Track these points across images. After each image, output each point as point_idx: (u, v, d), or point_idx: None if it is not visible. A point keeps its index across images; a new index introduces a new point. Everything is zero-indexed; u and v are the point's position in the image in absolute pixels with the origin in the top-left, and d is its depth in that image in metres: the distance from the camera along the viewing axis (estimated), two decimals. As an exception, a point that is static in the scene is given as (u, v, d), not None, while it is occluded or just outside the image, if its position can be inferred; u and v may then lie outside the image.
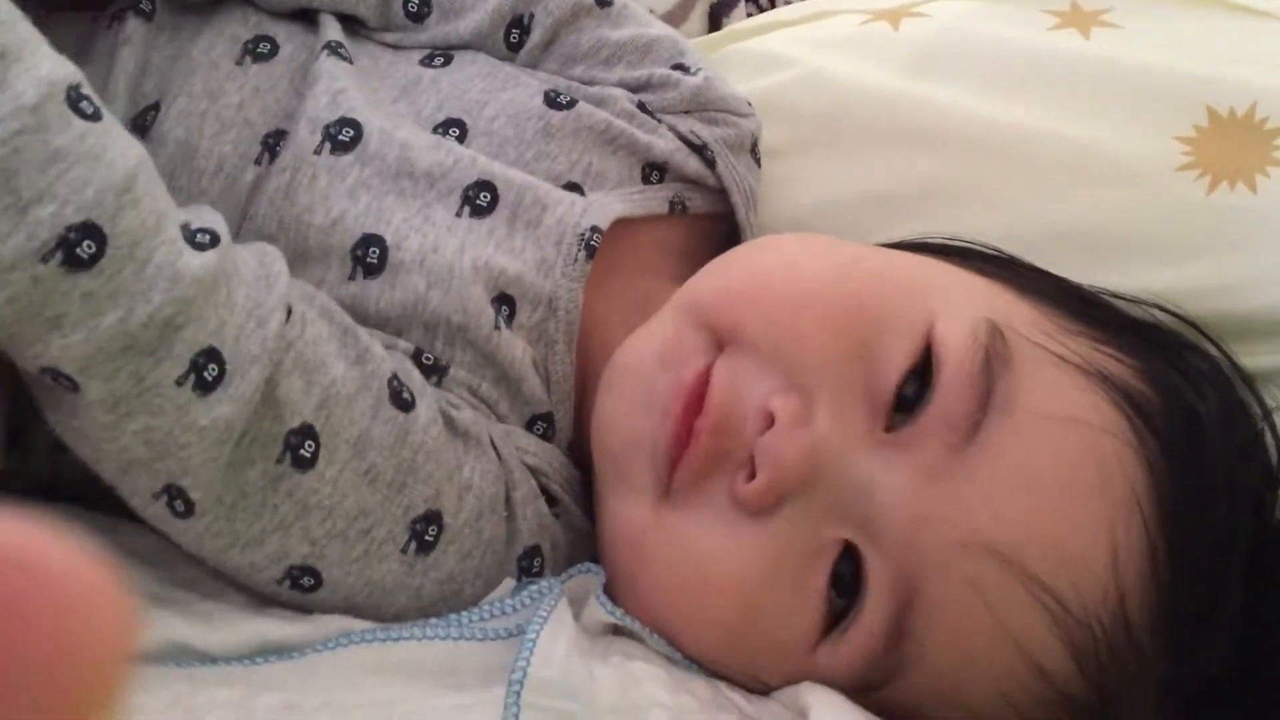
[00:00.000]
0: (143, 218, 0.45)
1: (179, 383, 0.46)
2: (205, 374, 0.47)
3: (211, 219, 0.50)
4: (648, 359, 0.55)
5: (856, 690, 0.51)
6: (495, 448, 0.56)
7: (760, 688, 0.53)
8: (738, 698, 0.52)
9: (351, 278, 0.56)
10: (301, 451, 0.50)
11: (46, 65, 0.45)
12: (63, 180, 0.44)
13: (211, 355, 0.47)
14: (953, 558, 0.49)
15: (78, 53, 0.59)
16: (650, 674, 0.50)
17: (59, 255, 0.44)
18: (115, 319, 0.45)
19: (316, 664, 0.49)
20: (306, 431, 0.50)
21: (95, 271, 0.44)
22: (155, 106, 0.59)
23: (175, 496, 0.49)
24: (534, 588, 0.53)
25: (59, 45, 0.59)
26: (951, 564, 0.49)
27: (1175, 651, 0.51)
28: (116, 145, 0.46)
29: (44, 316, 0.44)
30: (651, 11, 0.80)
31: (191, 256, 0.47)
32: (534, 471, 0.57)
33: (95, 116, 0.46)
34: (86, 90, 0.46)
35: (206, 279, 0.47)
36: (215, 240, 0.48)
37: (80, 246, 0.44)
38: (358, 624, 0.52)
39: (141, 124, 0.58)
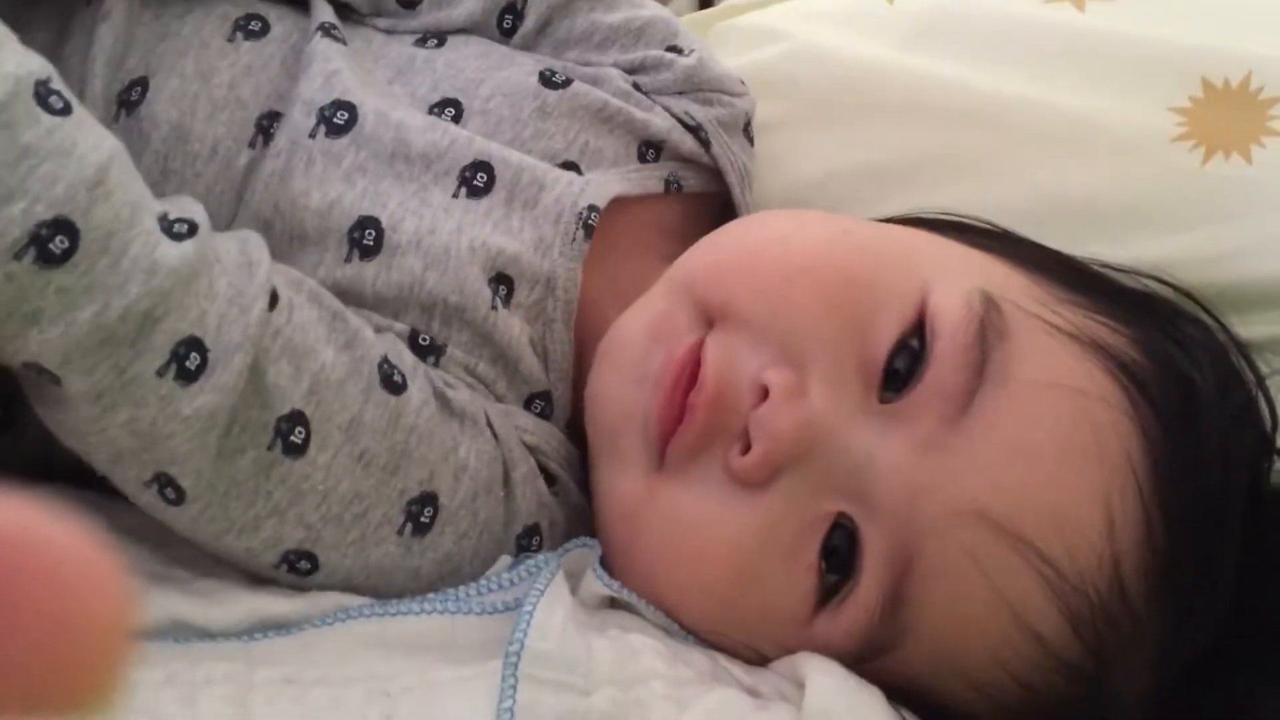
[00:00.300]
0: (116, 210, 0.45)
1: (160, 373, 0.46)
2: (187, 363, 0.47)
3: (190, 209, 0.50)
4: (639, 334, 0.55)
5: (855, 660, 0.51)
6: (492, 427, 0.55)
7: (758, 659, 0.53)
8: (735, 669, 0.52)
9: (348, 260, 0.56)
10: (292, 438, 0.49)
11: (13, 60, 0.45)
12: (33, 176, 0.44)
13: (193, 345, 0.47)
14: (949, 527, 0.49)
15: (59, 30, 0.59)
16: (648, 646, 0.50)
17: (32, 252, 0.44)
18: (92, 313, 0.45)
19: (315, 639, 0.50)
20: (297, 418, 0.50)
21: (69, 266, 0.44)
22: (141, 82, 0.58)
23: (165, 485, 0.49)
24: (531, 562, 0.53)
25: (42, 23, 0.59)
26: (948, 533, 0.49)
27: (1171, 618, 0.51)
28: (88, 139, 0.46)
29: (21, 312, 0.44)
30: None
31: (168, 247, 0.47)
32: (532, 450, 0.57)
33: (65, 110, 0.46)
34: (56, 84, 0.46)
35: (184, 270, 0.47)
36: (193, 230, 0.48)
37: (53, 242, 0.44)
38: (355, 599, 0.52)
39: (126, 99, 0.58)
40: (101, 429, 0.47)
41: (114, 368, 0.46)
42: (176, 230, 0.48)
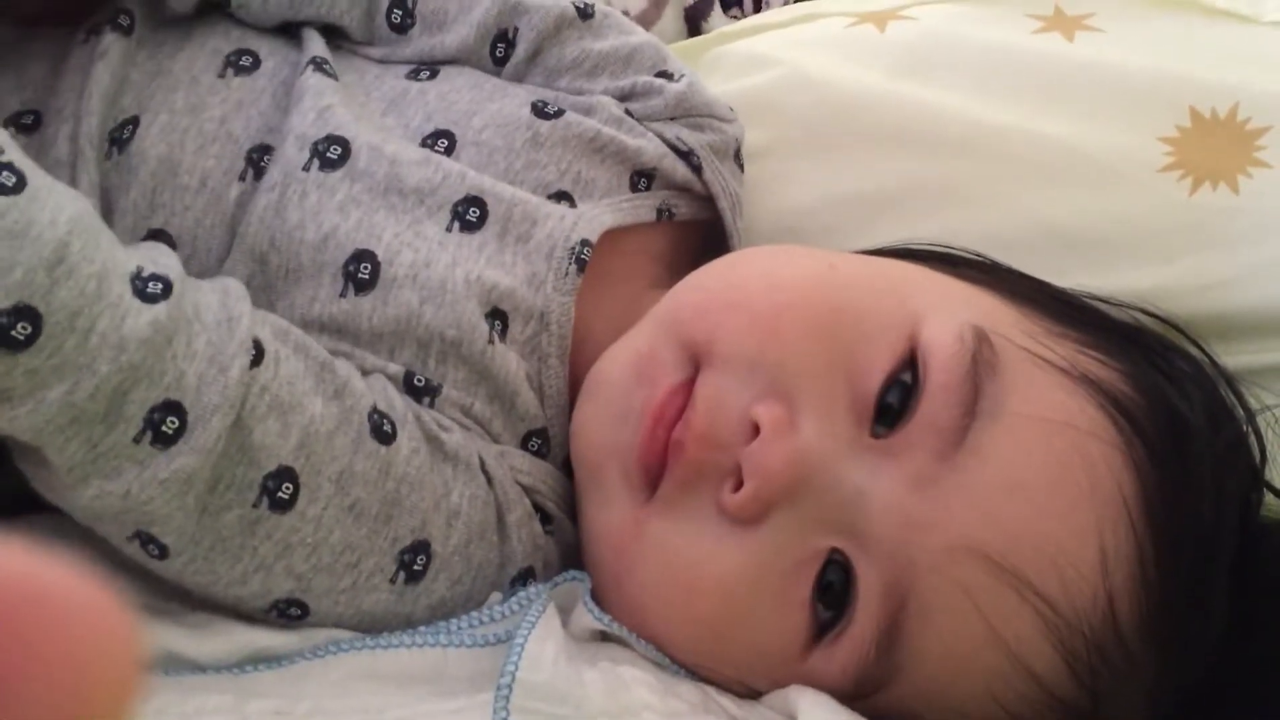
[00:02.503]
0: (81, 286, 0.44)
1: (136, 440, 0.46)
2: (164, 428, 0.46)
3: (165, 263, 0.49)
4: (622, 372, 0.55)
5: (850, 697, 0.51)
6: (486, 470, 0.55)
7: (749, 693, 0.53)
8: (726, 702, 0.52)
9: (343, 294, 0.55)
10: (280, 494, 0.49)
11: None
12: None
13: (170, 408, 0.46)
14: (944, 562, 0.49)
15: (53, 65, 0.59)
16: (639, 678, 0.50)
17: None
18: (61, 393, 0.44)
19: (306, 671, 0.50)
20: (285, 474, 0.49)
21: (35, 350, 0.44)
22: (134, 120, 0.58)
23: (148, 541, 0.48)
24: (522, 594, 0.53)
25: (38, 57, 0.59)
26: (943, 568, 0.49)
27: (1164, 652, 0.51)
28: (44, 214, 0.45)
29: None
30: (626, 13, 0.80)
31: (138, 314, 0.46)
32: (528, 490, 0.57)
33: (18, 186, 0.44)
34: (8, 156, 0.45)
35: (156, 338, 0.46)
36: (167, 289, 0.47)
37: (15, 329, 0.43)
38: (347, 633, 0.52)
39: (118, 138, 0.58)
40: (76, 497, 0.47)
41: (85, 443, 0.45)
42: (150, 291, 0.47)
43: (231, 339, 0.48)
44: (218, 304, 0.49)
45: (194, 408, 0.47)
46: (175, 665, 0.49)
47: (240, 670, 0.49)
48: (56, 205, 0.45)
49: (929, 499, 0.50)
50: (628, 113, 0.64)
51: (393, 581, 0.52)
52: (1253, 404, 0.58)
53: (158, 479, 0.46)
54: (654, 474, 0.53)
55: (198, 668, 0.49)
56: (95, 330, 0.45)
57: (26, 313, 0.43)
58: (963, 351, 0.51)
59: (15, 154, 0.46)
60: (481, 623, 0.52)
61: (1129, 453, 0.51)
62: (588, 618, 0.53)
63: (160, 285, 0.47)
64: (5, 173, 0.45)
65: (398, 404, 0.54)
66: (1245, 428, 0.57)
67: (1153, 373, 0.55)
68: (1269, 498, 0.57)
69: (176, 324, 0.47)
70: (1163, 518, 0.51)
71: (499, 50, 0.65)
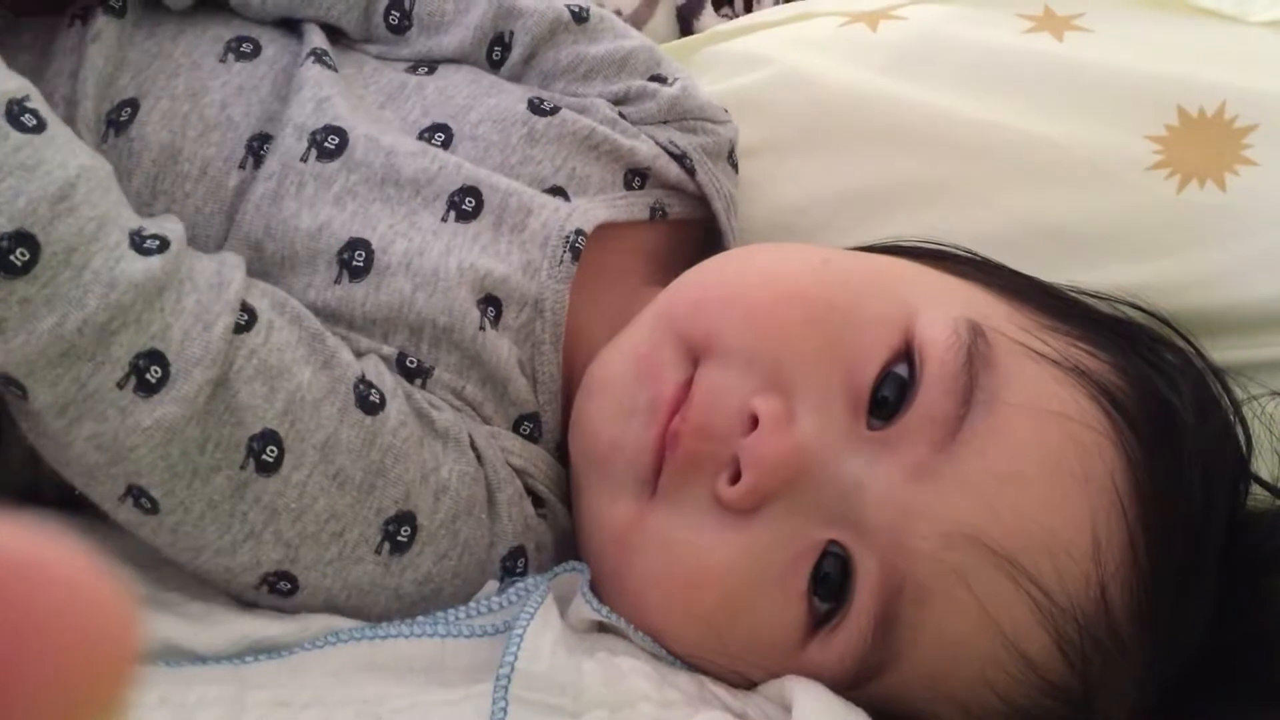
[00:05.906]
0: (80, 224, 0.47)
1: (120, 385, 0.48)
2: (147, 376, 0.48)
3: (169, 227, 0.51)
4: (623, 370, 0.56)
5: (848, 685, 0.51)
6: (476, 449, 0.56)
7: (745, 684, 0.53)
8: (722, 692, 0.52)
9: (337, 281, 0.56)
10: (264, 456, 0.50)
11: None
12: None
13: (154, 358, 0.48)
14: (941, 550, 0.49)
15: (41, 53, 0.60)
16: (636, 669, 0.50)
17: None
18: (52, 323, 0.46)
19: (305, 662, 0.50)
20: (269, 436, 0.50)
21: (30, 277, 0.46)
22: (131, 103, 0.58)
23: (139, 496, 0.49)
24: (520, 585, 0.54)
25: (25, 46, 0.60)
26: (939, 557, 0.49)
27: (1154, 639, 0.51)
28: (56, 156, 0.47)
29: None
30: (618, 12, 0.81)
31: (133, 262, 0.48)
32: (520, 473, 0.57)
33: (37, 129, 0.48)
34: (32, 103, 0.48)
35: (148, 285, 0.48)
36: (164, 246, 0.49)
37: (14, 254, 0.46)
38: (345, 623, 0.52)
39: (116, 119, 0.58)
40: (70, 443, 0.48)
41: (75, 380, 0.47)
42: (147, 246, 0.49)
43: (219, 299, 0.50)
44: (212, 270, 0.51)
45: (177, 360, 0.48)
46: (175, 656, 0.49)
47: (240, 661, 0.49)
48: (72, 152, 0.48)
49: (926, 489, 0.50)
50: (622, 115, 0.65)
51: (378, 552, 0.53)
52: (1239, 395, 0.59)
53: (141, 426, 0.48)
54: (660, 469, 0.53)
55: (198, 658, 0.49)
56: (89, 268, 0.47)
57: (26, 239, 0.46)
58: (958, 344, 0.52)
59: (41, 104, 0.48)
60: (480, 613, 0.53)
61: (1120, 442, 0.52)
62: (586, 608, 0.53)
63: (158, 243, 0.49)
64: (27, 115, 0.48)
65: (388, 379, 0.54)
66: (1232, 418, 0.58)
67: (1142, 365, 0.56)
68: (1255, 486, 0.57)
69: (169, 278, 0.49)
70: (1153, 506, 0.51)
71: (495, 53, 0.65)
